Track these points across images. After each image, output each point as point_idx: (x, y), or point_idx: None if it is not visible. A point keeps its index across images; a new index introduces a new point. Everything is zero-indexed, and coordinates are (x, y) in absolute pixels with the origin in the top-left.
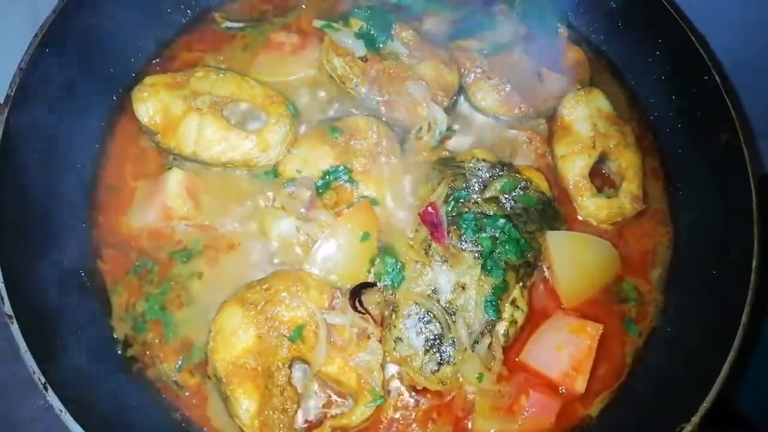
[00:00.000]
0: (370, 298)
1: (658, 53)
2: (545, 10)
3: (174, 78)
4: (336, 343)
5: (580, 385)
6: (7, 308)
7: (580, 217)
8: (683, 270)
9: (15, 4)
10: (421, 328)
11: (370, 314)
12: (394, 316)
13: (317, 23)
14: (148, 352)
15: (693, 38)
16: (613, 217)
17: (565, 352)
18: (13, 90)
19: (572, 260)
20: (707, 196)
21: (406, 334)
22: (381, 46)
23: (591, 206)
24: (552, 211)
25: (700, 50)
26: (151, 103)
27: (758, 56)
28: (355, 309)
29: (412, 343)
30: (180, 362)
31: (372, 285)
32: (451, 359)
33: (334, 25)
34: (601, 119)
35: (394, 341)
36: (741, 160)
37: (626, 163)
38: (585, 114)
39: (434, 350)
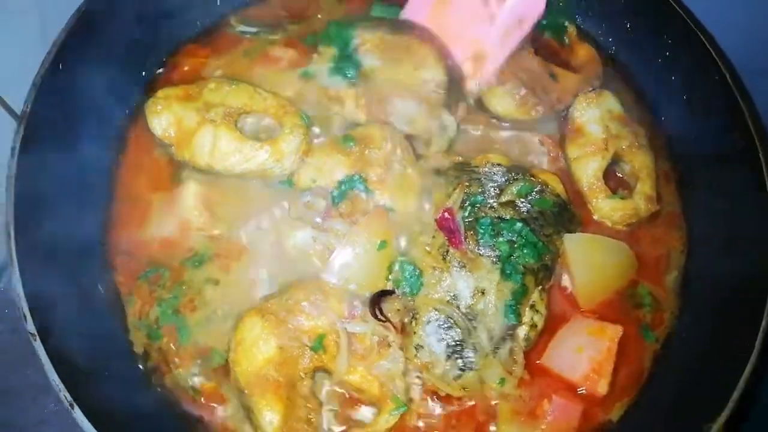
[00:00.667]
0: (389, 306)
1: (667, 54)
2: (552, 10)
3: (187, 90)
4: (357, 352)
5: (602, 388)
6: (30, 326)
7: (595, 218)
8: (698, 273)
9: (25, 17)
10: (441, 335)
11: (390, 322)
12: (414, 323)
13: (299, 71)
14: (163, 359)
15: (702, 38)
16: (628, 218)
17: (585, 354)
18: (28, 107)
19: (589, 262)
20: (721, 198)
21: (427, 341)
22: (355, 71)
23: (606, 207)
24: (568, 213)
25: (710, 49)
26: (164, 116)
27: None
28: (375, 317)
29: (433, 349)
30: (195, 367)
31: (391, 292)
32: (473, 365)
33: (310, 70)
34: (612, 121)
35: (415, 348)
36: (755, 160)
37: (639, 164)
38: (596, 116)
39: (456, 356)
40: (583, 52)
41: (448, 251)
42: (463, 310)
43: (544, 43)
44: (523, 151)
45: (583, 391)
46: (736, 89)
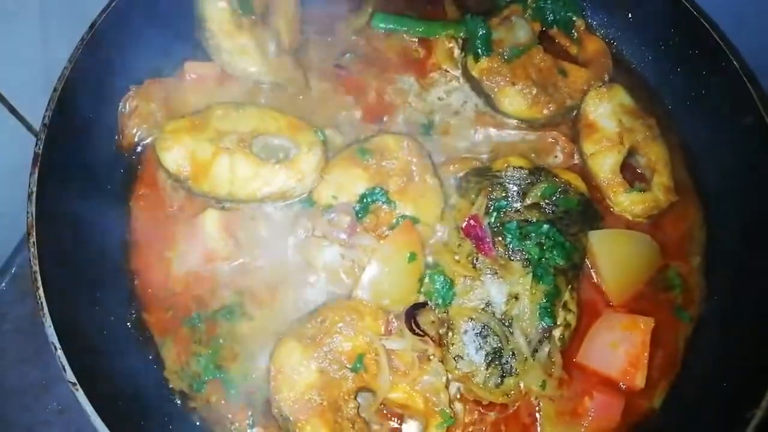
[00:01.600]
0: (424, 319)
1: (670, 42)
2: (558, 4)
3: (192, 121)
4: (399, 369)
5: (639, 381)
6: (70, 376)
7: (614, 211)
8: (721, 255)
9: (25, 17)
10: (480, 343)
11: (428, 335)
12: (451, 333)
13: None
14: (214, 413)
15: (705, 23)
16: (649, 210)
17: (620, 349)
18: (40, 148)
19: (616, 257)
20: (735, 179)
21: (466, 351)
22: None
23: (626, 202)
24: (592, 210)
25: (713, 33)
26: (176, 150)
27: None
28: (412, 331)
29: (472, 359)
30: (251, 418)
31: (424, 305)
32: (513, 370)
33: None
34: (625, 114)
35: (455, 359)
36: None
37: (655, 156)
38: (608, 110)
39: (495, 363)
40: (593, 46)
41: (477, 258)
42: (498, 317)
43: (552, 38)
44: (538, 150)
45: (621, 384)
46: (742, 72)
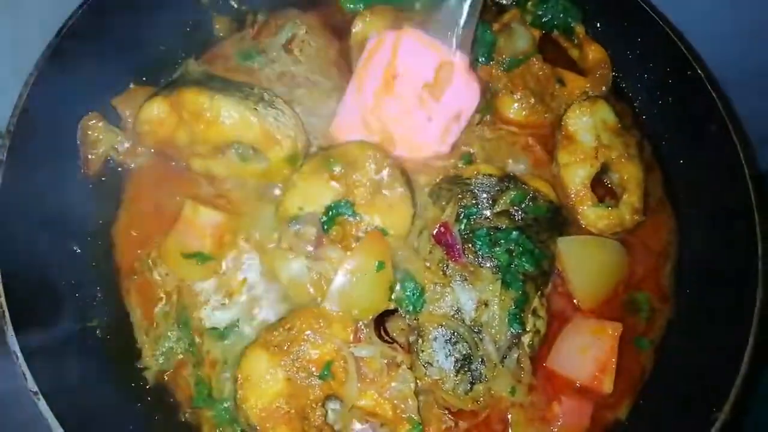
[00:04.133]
0: (393, 326)
1: (638, 52)
2: (557, 10)
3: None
4: (367, 376)
5: (607, 386)
6: (31, 385)
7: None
8: (691, 266)
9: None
10: (449, 350)
11: (397, 342)
12: (420, 340)
13: None
14: None
15: (670, 31)
16: (612, 227)
17: (589, 354)
18: (3, 155)
19: (584, 263)
20: (705, 191)
21: (435, 358)
22: None
23: (591, 215)
24: (561, 217)
25: (678, 42)
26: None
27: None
28: (381, 338)
29: (442, 366)
30: None
31: (394, 312)
32: (483, 377)
33: None
34: (605, 130)
35: (424, 366)
36: (733, 150)
37: (628, 174)
38: (589, 124)
39: (465, 370)
40: (594, 55)
41: (447, 265)
42: (468, 323)
43: (554, 40)
44: (510, 155)
45: (590, 389)
46: (707, 81)
